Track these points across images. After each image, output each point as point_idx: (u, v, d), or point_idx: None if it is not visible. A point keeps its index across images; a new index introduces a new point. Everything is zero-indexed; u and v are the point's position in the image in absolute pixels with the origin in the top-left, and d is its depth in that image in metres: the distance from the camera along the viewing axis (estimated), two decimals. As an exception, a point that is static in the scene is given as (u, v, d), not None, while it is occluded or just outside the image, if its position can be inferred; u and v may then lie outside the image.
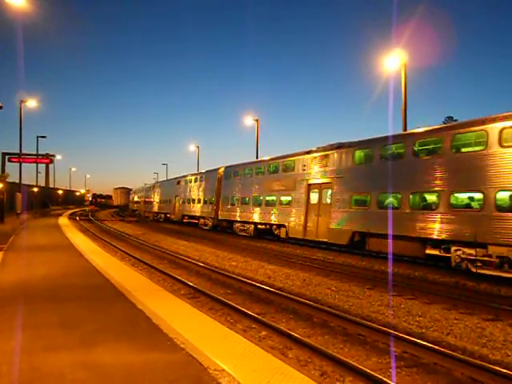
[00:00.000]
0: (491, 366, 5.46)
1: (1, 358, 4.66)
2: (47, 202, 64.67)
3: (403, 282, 11.96)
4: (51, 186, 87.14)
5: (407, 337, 6.59)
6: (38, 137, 54.08)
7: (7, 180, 37.35)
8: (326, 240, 18.63)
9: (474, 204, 12.81)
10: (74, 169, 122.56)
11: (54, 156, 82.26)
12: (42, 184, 72.47)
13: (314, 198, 19.79)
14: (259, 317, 7.74)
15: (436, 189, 13.78)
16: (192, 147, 57.37)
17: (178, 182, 41.01)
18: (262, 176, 24.77)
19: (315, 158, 19.96)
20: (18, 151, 40.44)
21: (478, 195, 12.61)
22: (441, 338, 7.08)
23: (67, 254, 14.13)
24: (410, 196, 14.67)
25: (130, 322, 6.12)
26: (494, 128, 12.25)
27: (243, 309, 8.28)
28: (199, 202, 34.41)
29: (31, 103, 38.47)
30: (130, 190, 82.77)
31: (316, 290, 10.82)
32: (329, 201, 18.64)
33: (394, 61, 20.13)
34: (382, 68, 21.23)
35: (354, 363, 5.50)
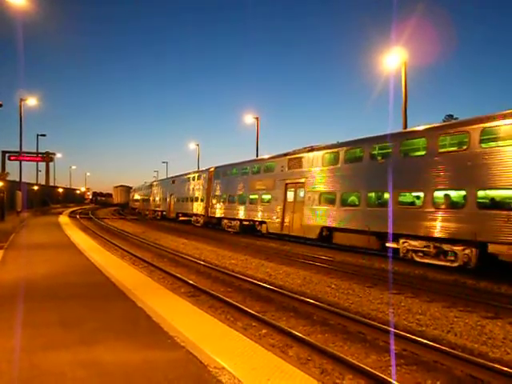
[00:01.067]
0: (491, 363, 5.46)
1: (1, 356, 4.67)
2: (47, 200, 64.67)
3: (403, 280, 11.96)
4: (51, 184, 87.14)
5: (407, 335, 6.59)
6: (38, 135, 54.23)
7: (7, 178, 37.39)
8: (300, 235, 20.44)
9: (418, 202, 14.62)
10: (74, 167, 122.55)
11: (54, 154, 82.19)
12: (43, 182, 72.43)
13: (291, 196, 21.46)
14: (259, 315, 7.75)
15: (385, 188, 15.35)
16: (192, 145, 57.40)
17: (173, 182, 42.63)
18: (246, 176, 26.47)
19: (291, 159, 21.78)
20: (18, 149, 40.46)
21: (420, 194, 14.38)
22: (441, 335, 7.08)
23: (67, 252, 14.15)
24: (367, 195, 16.49)
25: (130, 321, 6.13)
26: (434, 135, 13.89)
27: (243, 307, 8.28)
28: (192, 200, 35.85)
29: (31, 101, 38.45)
30: (130, 188, 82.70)
31: (316, 288, 10.83)
32: (302, 199, 20.27)
33: (394, 59, 20.10)
34: (383, 66, 21.20)
35: (353, 361, 5.51)
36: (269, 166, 24.08)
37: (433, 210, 13.71)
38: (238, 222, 26.80)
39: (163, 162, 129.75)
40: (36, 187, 58.52)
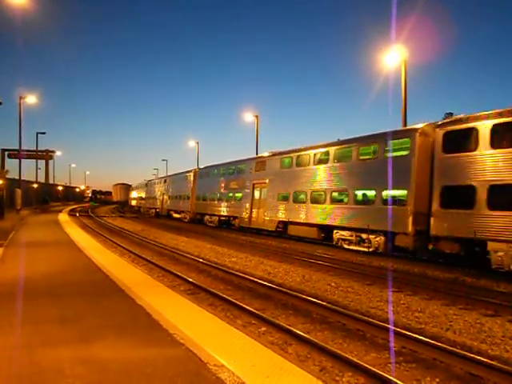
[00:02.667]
0: (490, 361, 5.47)
1: (1, 352, 4.67)
2: (47, 198, 64.68)
3: (402, 277, 11.97)
4: (51, 182, 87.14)
5: (406, 332, 6.60)
6: (37, 133, 54.15)
7: (7, 176, 37.37)
8: (263, 228, 23.79)
9: (345, 199, 17.70)
10: (73, 165, 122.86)
11: (53, 152, 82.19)
12: (42, 180, 72.47)
13: (257, 195, 24.85)
14: (259, 312, 7.75)
15: (323, 188, 18.85)
16: (192, 143, 57.38)
17: (165, 181, 46.31)
18: (223, 177, 30.08)
19: (257, 163, 25.35)
20: (17, 147, 40.41)
21: (345, 193, 17.56)
22: (440, 333, 7.09)
23: (67, 250, 14.15)
24: (312, 193, 19.49)
25: (129, 318, 6.13)
26: (384, 142, 16.09)
27: (243, 304, 8.29)
28: (180, 198, 39.50)
29: (31, 99, 38.41)
30: (130, 186, 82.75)
31: (315, 285, 10.83)
32: (265, 197, 23.59)
33: (394, 57, 20.07)
34: (383, 64, 21.16)
35: (353, 358, 5.52)
36: (241, 168, 27.56)
37: (354, 206, 17.04)
38: (217, 218, 30.36)
39: (163, 160, 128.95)
40: (35, 185, 58.50)
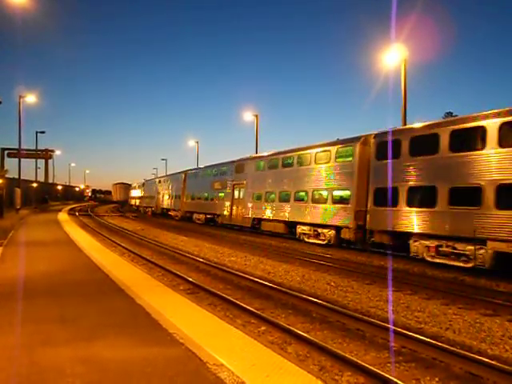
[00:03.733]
0: (490, 360, 5.48)
1: (0, 352, 4.67)
2: (46, 197, 64.64)
3: (402, 277, 11.98)
4: (50, 181, 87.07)
5: (406, 332, 6.60)
6: (37, 132, 54.17)
7: (6, 175, 37.35)
8: (241, 224, 26.59)
9: (305, 198, 20.30)
10: (73, 164, 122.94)
11: (53, 151, 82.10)
12: (42, 179, 72.38)
13: (236, 194, 27.43)
14: (258, 312, 7.75)
15: (289, 188, 21.45)
16: (192, 142, 57.34)
17: (159, 181, 49.68)
18: (209, 178, 32.94)
19: (237, 166, 27.99)
20: (17, 147, 40.39)
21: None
22: (439, 333, 7.10)
23: (67, 249, 14.15)
24: (280, 193, 22.22)
25: (129, 318, 6.14)
26: (334, 149, 18.81)
27: (242, 304, 8.29)
28: (172, 197, 42.42)
29: (30, 99, 38.37)
30: (130, 185, 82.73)
31: (315, 285, 10.84)
32: (243, 197, 26.31)
33: (393, 56, 20.07)
34: (383, 63, 21.16)
35: (352, 358, 5.52)
36: (223, 170, 30.31)
37: (312, 204, 19.67)
38: (204, 215, 33.35)
39: (162, 160, 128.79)
40: (35, 184, 58.46)
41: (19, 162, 40.05)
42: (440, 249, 13.48)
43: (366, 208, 16.36)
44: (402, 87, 19.69)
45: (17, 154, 41.17)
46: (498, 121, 12.10)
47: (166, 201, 44.81)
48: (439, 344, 6.03)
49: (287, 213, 21.31)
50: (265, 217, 23.51)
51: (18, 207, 37.25)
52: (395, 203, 14.92)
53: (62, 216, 36.71)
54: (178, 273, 11.59)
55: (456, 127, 13.52)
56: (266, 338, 6.48)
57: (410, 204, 14.51)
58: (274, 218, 22.50)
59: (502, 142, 11.97)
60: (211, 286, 10.03)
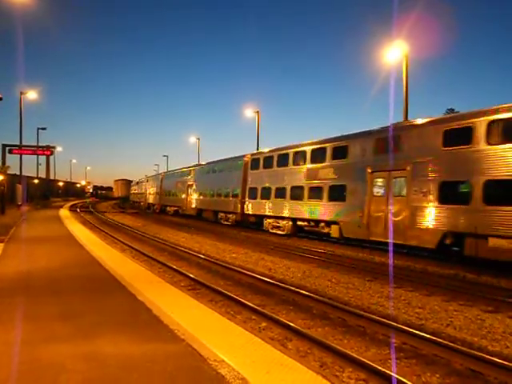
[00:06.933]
0: (490, 357, 5.47)
1: (2, 348, 4.68)
2: (48, 193, 64.63)
3: (403, 274, 11.95)
4: (52, 177, 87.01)
5: (407, 328, 6.60)
6: (38, 128, 54.06)
7: (8, 172, 37.35)
8: (191, 214, 35.60)
9: (222, 195, 29.47)
10: (74, 161, 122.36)
11: (54, 148, 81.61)
12: (43, 176, 72.19)
13: (189, 191, 36.42)
14: (259, 308, 7.76)
15: (213, 188, 30.89)
16: (193, 139, 57.35)
17: (147, 180, 58.70)
18: (175, 178, 41.90)
19: (190, 170, 37.63)
20: (18, 143, 40.36)
21: (220, 192, 29.36)
22: (440, 329, 7.10)
23: (68, 245, 14.16)
24: (214, 190, 30.59)
25: (130, 314, 6.15)
26: (238, 160, 27.72)
27: (243, 300, 8.30)
28: (153, 194, 51.54)
29: (31, 95, 38.30)
30: (131, 181, 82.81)
31: (316, 281, 10.84)
32: (192, 192, 35.68)
33: (395, 52, 19.97)
34: (385, 59, 21.05)
35: (353, 354, 5.52)
36: (184, 173, 39.62)
37: (225, 198, 29.15)
38: (173, 208, 41.88)
39: (164, 156, 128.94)
40: (36, 181, 58.51)
41: (20, 158, 40.01)
42: (274, 224, 22.99)
43: (243, 200, 25.94)
44: (404, 83, 19.61)
45: (18, 150, 41.09)
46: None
47: (151, 197, 53.64)
48: (440, 340, 6.03)
49: (212, 205, 31.08)
50: (204, 207, 32.99)
51: (20, 203, 37.30)
52: (256, 197, 24.52)
53: (64, 212, 36.76)
54: (179, 269, 11.61)
55: (281, 152, 22.80)
56: (267, 334, 6.48)
57: (262, 198, 23.86)
58: (208, 208, 32.02)
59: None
60: (212, 283, 10.04)
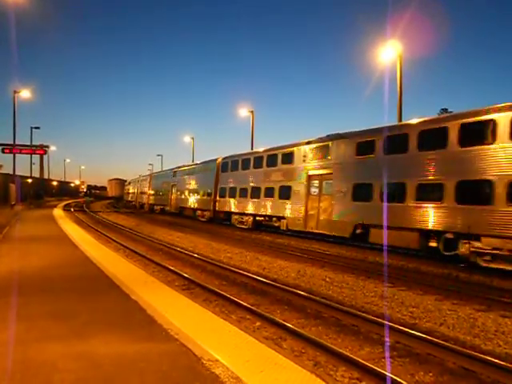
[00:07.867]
0: (483, 355, 5.51)
1: (-6, 348, 4.64)
2: (41, 193, 64.23)
3: (397, 273, 12.01)
4: (45, 177, 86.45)
5: (400, 327, 6.63)
6: (31, 128, 53.68)
7: (1, 171, 37.12)
8: (175, 211, 39.11)
9: (199, 193, 33.27)
10: (68, 160, 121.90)
11: (48, 147, 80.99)
12: (37, 175, 71.72)
13: (173, 191, 40.30)
14: (253, 308, 7.76)
15: (191, 188, 35.06)
16: (188, 138, 57.25)
17: (138, 181, 62.50)
18: (162, 179, 45.84)
19: (173, 172, 41.39)
20: (11, 142, 40.10)
21: (204, 190, 32.20)
22: (433, 328, 7.14)
23: (62, 245, 14.09)
24: (197, 190, 33.50)
25: (124, 313, 6.12)
26: (211, 164, 31.38)
27: (238, 300, 8.30)
28: (142, 193, 55.87)
29: (25, 94, 38.09)
30: (125, 181, 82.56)
31: (310, 281, 10.86)
32: (176, 192, 39.36)
33: (389, 52, 20.05)
34: (379, 59, 21.13)
35: (347, 353, 5.54)
36: (166, 174, 44.65)
37: (200, 197, 32.95)
38: (160, 207, 45.19)
39: (158, 155, 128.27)
40: (30, 180, 58.12)
41: (14, 157, 39.78)
42: (239, 220, 25.96)
43: (215, 198, 29.01)
44: (398, 83, 19.70)
45: (11, 149, 40.80)
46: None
47: (140, 196, 57.44)
48: (433, 339, 6.07)
49: (191, 203, 34.53)
50: (186, 206, 36.24)
51: (13, 203, 37.08)
52: (225, 196, 27.68)
53: (58, 212, 36.56)
54: (174, 269, 11.58)
55: (245, 157, 26.13)
56: (261, 333, 6.49)
57: (230, 196, 27.04)
58: (188, 206, 35.47)
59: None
60: (206, 282, 10.03)
